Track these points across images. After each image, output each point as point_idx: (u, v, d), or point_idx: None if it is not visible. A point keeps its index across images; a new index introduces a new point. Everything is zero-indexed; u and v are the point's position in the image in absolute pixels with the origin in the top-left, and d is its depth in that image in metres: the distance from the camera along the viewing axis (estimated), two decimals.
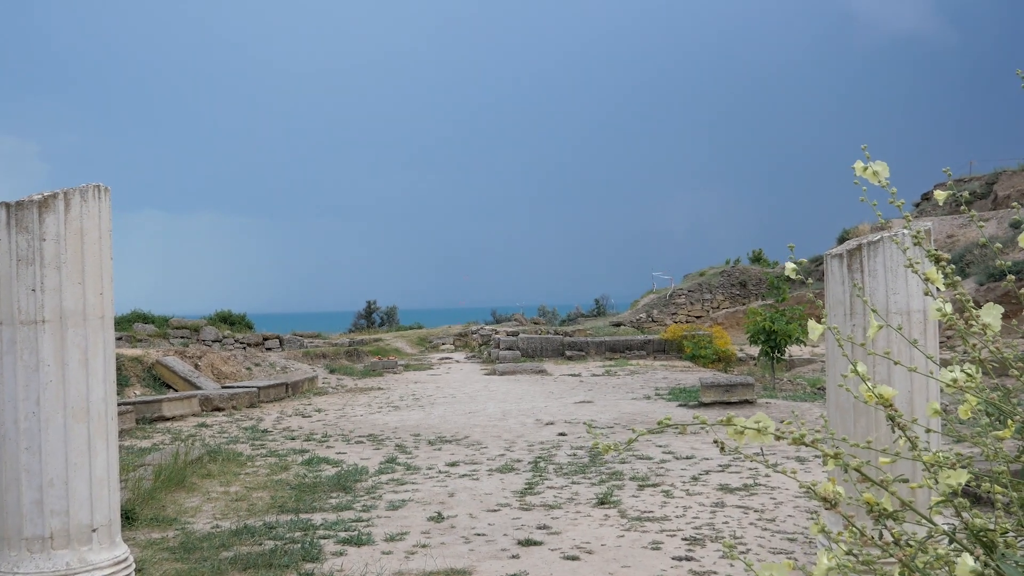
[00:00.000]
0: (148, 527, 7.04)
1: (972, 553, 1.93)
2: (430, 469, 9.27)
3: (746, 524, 6.76)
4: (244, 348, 29.52)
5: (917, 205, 44.25)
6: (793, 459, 9.31)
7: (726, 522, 6.82)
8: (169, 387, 16.68)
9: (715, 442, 2.19)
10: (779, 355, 17.31)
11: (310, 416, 14.17)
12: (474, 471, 9.10)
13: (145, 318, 32.46)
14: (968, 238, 28.17)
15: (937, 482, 2.04)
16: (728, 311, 38.61)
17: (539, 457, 9.82)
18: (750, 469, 8.83)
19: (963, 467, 2.00)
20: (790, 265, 2.22)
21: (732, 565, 5.63)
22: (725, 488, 7.99)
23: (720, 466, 9.02)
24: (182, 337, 29.80)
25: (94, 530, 3.73)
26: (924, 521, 2.10)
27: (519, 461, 9.61)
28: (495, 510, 7.36)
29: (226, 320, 33.87)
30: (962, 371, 2.05)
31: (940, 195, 2.35)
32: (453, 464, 9.52)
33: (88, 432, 3.75)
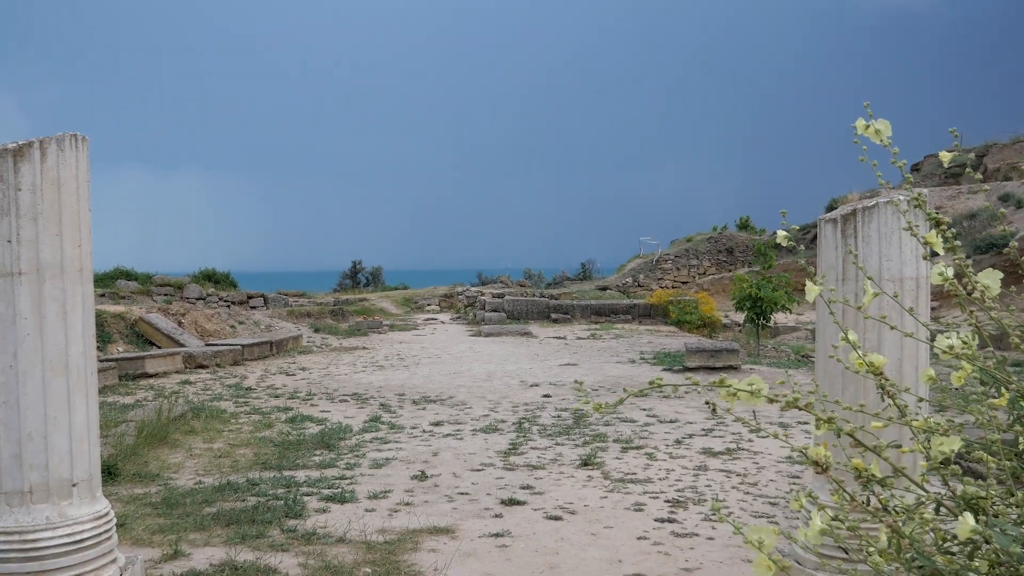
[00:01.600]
0: (131, 482, 7.01)
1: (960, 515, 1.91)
2: (414, 428, 9.26)
3: (728, 488, 6.78)
4: (228, 306, 29.40)
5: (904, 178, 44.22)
6: (776, 424, 9.35)
7: (708, 485, 6.84)
8: (152, 344, 16.59)
9: (707, 403, 2.16)
10: (764, 322, 17.34)
11: (294, 374, 14.13)
12: (458, 431, 9.10)
13: (128, 275, 32.22)
14: (957, 210, 28.24)
15: (928, 449, 2.02)
16: (714, 277, 38.70)
17: (523, 418, 9.83)
18: (733, 434, 8.86)
19: (955, 434, 1.97)
20: (782, 232, 2.17)
21: (715, 528, 5.66)
22: (708, 452, 8.01)
23: (704, 430, 9.05)
24: (165, 295, 29.63)
25: (74, 485, 3.68)
26: (914, 488, 2.08)
27: (503, 422, 9.62)
28: (479, 470, 7.36)
29: (210, 278, 33.64)
30: (959, 338, 2.02)
31: (945, 156, 2.31)
32: (437, 424, 9.51)
33: (67, 386, 3.69)
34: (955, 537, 1.97)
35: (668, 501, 6.34)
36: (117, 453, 7.64)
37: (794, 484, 6.91)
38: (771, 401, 1.94)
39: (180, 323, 18.28)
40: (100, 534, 3.72)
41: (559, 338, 20.85)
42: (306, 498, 6.39)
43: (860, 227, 4.08)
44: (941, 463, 2.02)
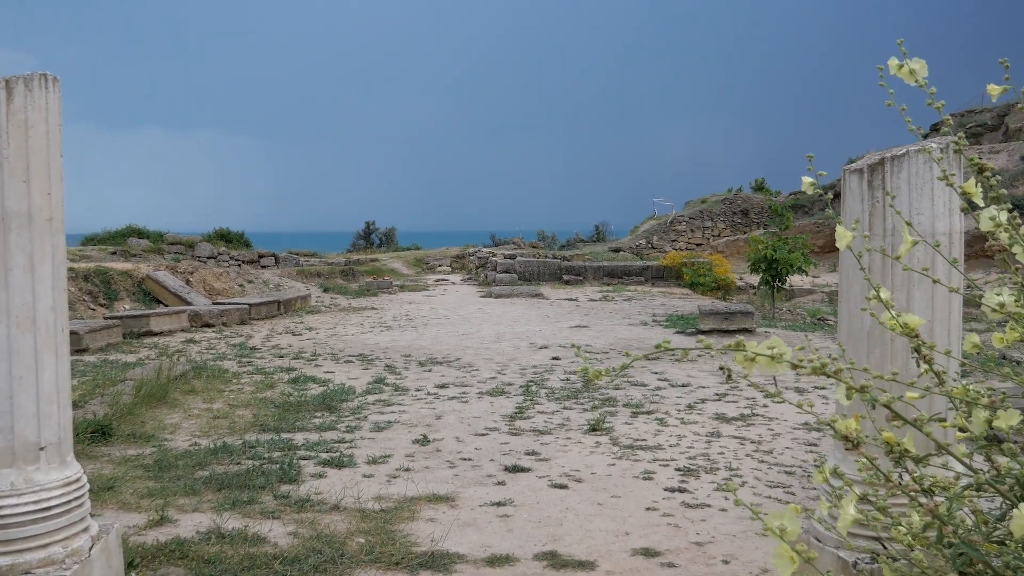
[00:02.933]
0: (125, 443, 6.81)
1: (1016, 505, 1.63)
2: (419, 391, 9.03)
3: (742, 455, 6.52)
4: (239, 265, 29.24)
5: (926, 136, 43.55)
6: (792, 389, 9.07)
7: (721, 453, 6.58)
8: (159, 302, 16.41)
9: (721, 368, 1.88)
10: (780, 284, 17.00)
11: (300, 334, 13.92)
12: (464, 393, 8.87)
13: (140, 233, 32.10)
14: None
15: (970, 421, 1.74)
16: (729, 239, 38.26)
17: (531, 381, 9.59)
18: (748, 399, 8.59)
19: (1011, 407, 1.69)
20: (808, 180, 1.90)
21: (727, 499, 5.40)
22: (721, 417, 7.75)
23: (717, 395, 8.79)
24: (176, 253, 29.49)
25: (42, 448, 3.44)
26: (954, 465, 1.80)
27: (510, 385, 9.38)
28: (483, 434, 7.13)
29: (224, 238, 33.47)
30: (1009, 294, 1.74)
31: (994, 89, 2.00)
32: (442, 386, 9.28)
33: (35, 343, 3.44)
34: (1000, 520, 1.71)
35: (679, 470, 6.08)
36: (113, 412, 7.44)
37: (811, 451, 6.65)
38: (795, 367, 1.68)
39: (188, 281, 18.10)
40: (70, 501, 3.48)
41: (570, 300, 20.58)
42: (303, 462, 6.17)
43: (888, 178, 3.77)
44: (988, 440, 1.75)
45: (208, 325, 14.57)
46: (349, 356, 11.50)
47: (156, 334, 13.09)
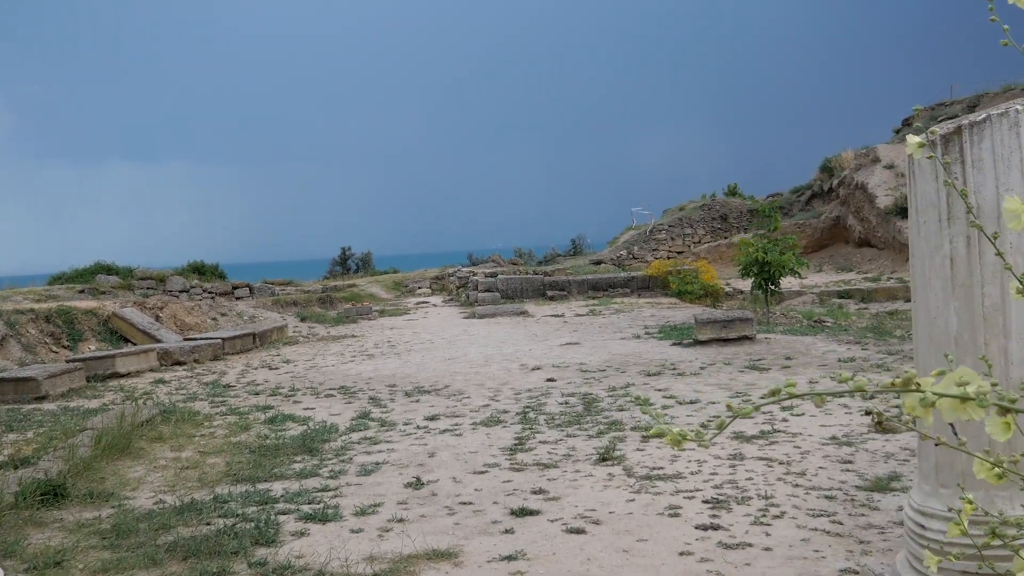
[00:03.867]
0: (80, 504, 6.05)
1: None
2: (407, 424, 8.31)
3: (773, 480, 5.86)
4: (213, 298, 28.38)
5: (898, 131, 43.38)
6: (807, 400, 8.42)
7: (750, 478, 5.91)
8: (127, 341, 15.59)
9: (870, 414, 1.29)
10: (773, 287, 16.41)
11: (277, 368, 13.16)
12: (456, 425, 8.15)
13: (109, 269, 31.20)
14: None
15: None
16: (710, 245, 37.78)
17: (527, 407, 8.89)
18: (764, 414, 7.93)
19: None
20: (914, 140, 1.28)
21: (769, 534, 4.73)
22: (740, 436, 7.08)
23: (730, 411, 8.12)
24: (148, 288, 28.60)
25: None
26: None
27: (506, 412, 8.68)
28: (482, 472, 6.42)
29: (198, 270, 32.63)
30: None
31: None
32: (433, 418, 8.56)
33: None
34: None
35: (707, 502, 5.41)
36: (68, 469, 6.67)
37: (848, 470, 5.99)
38: (1006, 410, 1.06)
39: (158, 317, 17.28)
40: None
41: (557, 316, 19.90)
42: (281, 518, 5.44)
43: (968, 149, 3.12)
44: None
45: (179, 363, 13.77)
46: (330, 389, 10.76)
47: (123, 375, 12.28)
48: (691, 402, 8.63)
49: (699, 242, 39.36)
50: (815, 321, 16.32)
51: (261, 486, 6.28)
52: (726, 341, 12.41)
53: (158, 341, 15.16)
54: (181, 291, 28.82)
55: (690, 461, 6.40)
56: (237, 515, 5.53)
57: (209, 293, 28.95)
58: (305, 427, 8.35)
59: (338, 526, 5.26)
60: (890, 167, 29.19)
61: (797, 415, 7.77)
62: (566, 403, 8.97)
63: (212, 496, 6.03)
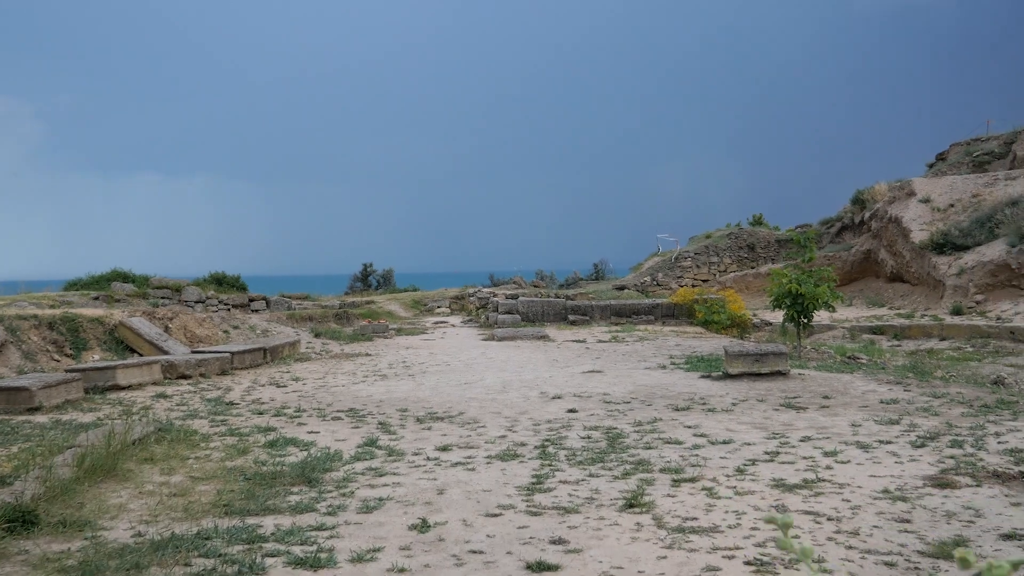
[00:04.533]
0: (51, 534, 5.47)
1: None
2: (416, 455, 7.69)
3: (822, 539, 5.19)
4: (229, 309, 27.99)
5: (931, 166, 42.58)
6: (853, 445, 7.75)
7: (796, 536, 5.24)
8: (134, 352, 15.10)
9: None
10: (806, 321, 15.69)
11: (285, 386, 12.58)
12: (469, 458, 7.53)
13: (125, 277, 30.90)
14: (996, 197, 26.49)
15: None
16: (737, 275, 37.04)
17: (547, 440, 8.26)
18: (804, 458, 7.26)
19: None
20: None
21: None
22: (781, 485, 6.42)
23: (767, 454, 7.46)
24: (163, 297, 28.25)
25: None
26: None
27: (523, 445, 8.04)
28: (496, 515, 5.79)
29: (220, 281, 32.30)
30: None
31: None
32: (444, 448, 7.94)
33: None
34: None
35: (750, 563, 4.75)
36: (44, 492, 6.12)
37: (906, 531, 5.32)
38: None
39: (167, 328, 16.79)
40: None
41: (579, 341, 19.27)
42: (269, 561, 4.84)
43: None
44: None
45: (184, 377, 13.24)
46: (337, 412, 10.17)
47: (123, 388, 11.75)
48: (724, 442, 7.96)
49: (725, 271, 38.63)
50: (849, 357, 15.60)
51: (251, 520, 5.68)
52: (758, 376, 11.73)
53: (165, 353, 14.65)
54: (197, 302, 28.45)
55: (727, 512, 5.74)
56: (219, 555, 4.93)
57: (225, 304, 28.55)
58: (307, 453, 7.76)
59: (331, 574, 4.65)
60: (926, 201, 28.40)
61: (842, 462, 7.10)
62: (588, 437, 8.32)
63: (196, 530, 5.44)
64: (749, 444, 7.87)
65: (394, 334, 22.37)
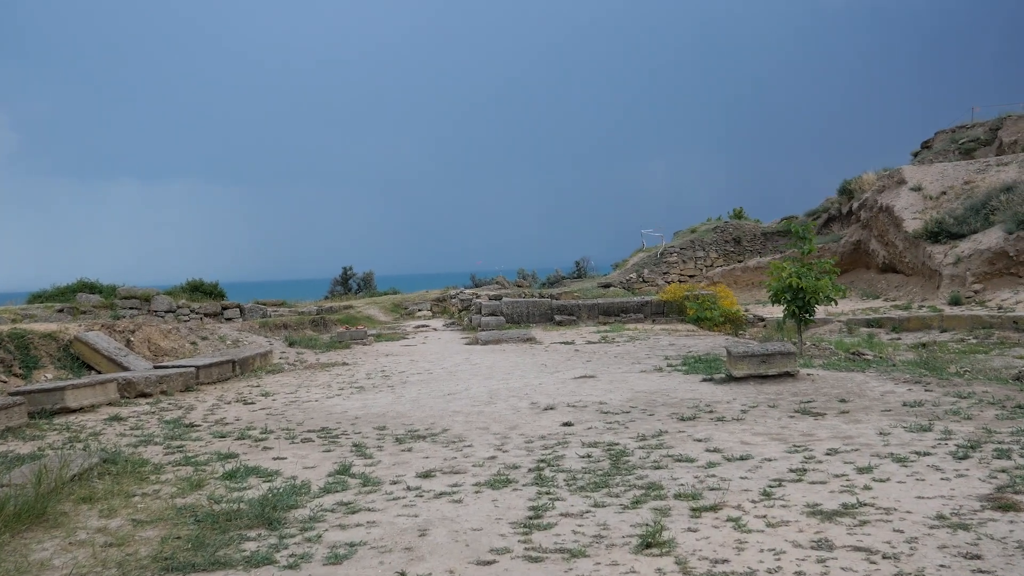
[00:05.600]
0: None
1: None
2: (395, 484, 6.75)
3: None
4: (200, 318, 26.94)
5: (916, 155, 42.00)
6: (888, 458, 6.86)
7: None
8: (91, 368, 14.06)
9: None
10: (808, 316, 14.83)
11: (253, 403, 11.60)
12: (456, 487, 6.59)
13: (92, 287, 29.82)
14: (988, 184, 25.77)
15: None
16: (724, 269, 36.29)
17: (542, 460, 7.34)
18: (837, 476, 6.37)
19: None
20: None
21: None
22: (818, 512, 5.52)
23: (793, 471, 6.56)
24: (132, 308, 27.17)
25: None
26: None
27: (516, 468, 7.12)
28: (488, 562, 4.86)
29: (197, 289, 31.23)
30: None
31: None
32: (426, 475, 7.00)
33: None
34: None
35: None
36: None
37: (980, 571, 4.43)
38: None
39: (129, 342, 15.75)
40: None
41: (567, 343, 18.36)
42: None
43: None
44: None
45: (144, 395, 12.23)
46: (308, 432, 9.21)
47: (73, 411, 10.72)
48: (742, 458, 7.06)
49: (711, 266, 37.89)
50: (853, 353, 14.77)
51: None
52: (765, 378, 10.86)
53: (125, 369, 13.63)
54: (167, 311, 27.38)
55: (763, 551, 4.84)
56: None
57: (197, 314, 27.47)
58: (270, 484, 6.81)
59: None
60: (917, 189, 27.66)
61: (881, 480, 6.22)
62: (588, 456, 7.41)
63: None
64: (770, 460, 6.98)
65: (373, 340, 21.40)
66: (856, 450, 7.15)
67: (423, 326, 26.08)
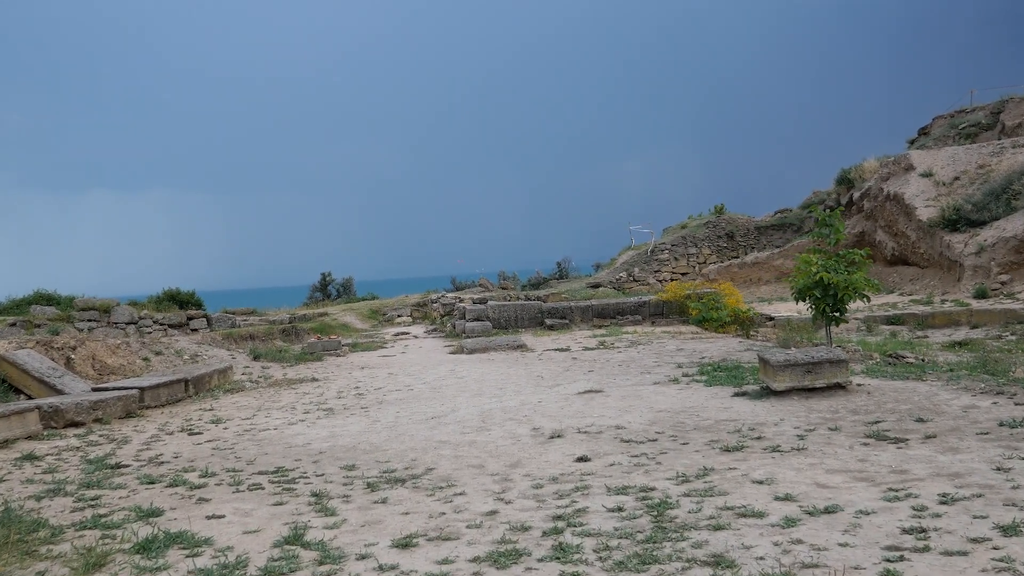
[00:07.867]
0: None
1: None
2: (363, 560, 4.93)
3: None
4: (165, 330, 25.02)
5: (913, 141, 40.53)
6: (1012, 504, 5.10)
7: None
8: (20, 392, 12.16)
9: None
10: (839, 315, 13.11)
11: (200, 433, 9.74)
12: (446, 564, 4.77)
13: (49, 299, 27.83)
14: (1005, 167, 24.20)
15: None
16: (719, 266, 34.63)
17: (558, 516, 5.54)
18: (975, 541, 4.61)
19: None
20: None
21: None
22: None
23: (906, 532, 4.78)
24: (91, 320, 25.19)
25: None
26: None
27: (525, 530, 5.31)
28: None
29: (174, 299, 29.34)
30: None
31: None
32: (406, 543, 5.18)
33: None
34: None
35: None
36: None
37: None
38: None
39: (69, 360, 13.85)
40: None
41: (561, 350, 16.58)
42: None
43: None
44: None
45: (75, 424, 10.35)
46: (259, 473, 7.38)
47: None
48: (827, 511, 5.28)
49: (704, 262, 36.23)
50: (891, 356, 13.06)
51: None
52: (811, 391, 9.11)
53: (58, 392, 11.75)
54: (128, 323, 25.44)
55: None
56: None
57: (161, 325, 25.52)
58: (193, 563, 4.99)
59: None
60: (927, 175, 26.03)
61: None
62: (619, 510, 5.61)
63: None
64: (866, 513, 5.21)
65: (348, 351, 19.55)
66: (979, 496, 5.40)
67: (403, 333, 24.26)
